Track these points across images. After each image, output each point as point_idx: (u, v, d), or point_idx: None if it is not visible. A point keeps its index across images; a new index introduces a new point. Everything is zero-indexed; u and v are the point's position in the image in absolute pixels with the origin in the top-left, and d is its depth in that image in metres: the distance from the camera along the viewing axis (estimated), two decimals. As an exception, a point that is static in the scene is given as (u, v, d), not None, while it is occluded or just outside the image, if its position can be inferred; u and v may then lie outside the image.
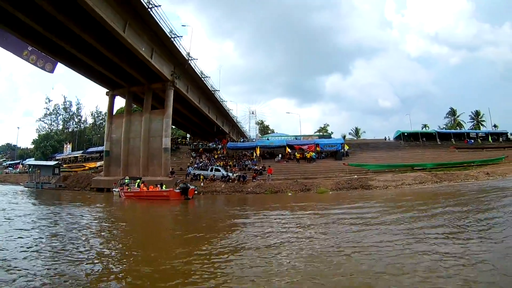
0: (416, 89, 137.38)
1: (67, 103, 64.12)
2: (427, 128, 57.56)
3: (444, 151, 40.05)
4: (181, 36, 24.89)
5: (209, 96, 34.58)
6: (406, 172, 28.45)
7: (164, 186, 20.30)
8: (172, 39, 24.00)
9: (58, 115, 63.82)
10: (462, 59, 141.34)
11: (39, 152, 53.10)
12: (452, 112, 60.71)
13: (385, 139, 48.42)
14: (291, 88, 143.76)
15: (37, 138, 57.97)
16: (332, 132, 65.01)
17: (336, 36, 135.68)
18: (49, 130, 60.96)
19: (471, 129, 56.40)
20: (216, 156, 31.39)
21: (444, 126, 60.21)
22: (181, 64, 27.54)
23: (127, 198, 20.40)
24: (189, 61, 27.64)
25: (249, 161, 29.03)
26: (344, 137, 59.06)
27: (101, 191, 25.83)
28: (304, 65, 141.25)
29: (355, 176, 24.78)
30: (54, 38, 21.12)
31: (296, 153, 30.93)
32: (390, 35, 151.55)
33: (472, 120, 59.19)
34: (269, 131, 65.29)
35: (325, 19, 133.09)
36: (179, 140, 43.65)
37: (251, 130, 55.91)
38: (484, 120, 58.10)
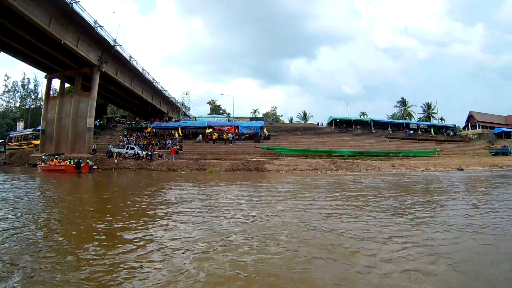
0: (382, 78, 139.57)
1: (26, 80, 63.22)
2: (365, 116, 58.42)
3: (375, 139, 40.45)
4: (103, 26, 27.31)
5: (141, 78, 36.30)
6: (322, 157, 29.08)
7: (71, 161, 22.58)
8: (95, 28, 26.56)
9: (16, 92, 63.22)
10: (430, 53, 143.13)
11: (-5, 129, 53.56)
12: (403, 102, 61.50)
13: (318, 124, 49.02)
14: (256, 69, 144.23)
15: (-6, 115, 58.04)
16: (264, 115, 65.57)
17: (305, 21, 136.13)
18: (6, 108, 61.32)
19: (421, 120, 58.10)
20: (144, 135, 33.17)
21: (394, 115, 61.59)
22: (109, 50, 29.42)
23: (42, 171, 23.30)
24: (115, 47, 29.55)
25: (170, 141, 30.79)
26: (275, 120, 59.89)
27: (35, 167, 28.19)
28: (271, 47, 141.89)
29: (254, 159, 26.11)
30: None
31: (213, 134, 32.27)
32: (359, 24, 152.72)
33: (423, 112, 60.33)
34: (221, 111, 65.88)
35: (296, 3, 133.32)
36: (117, 118, 45.22)
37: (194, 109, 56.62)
38: (435, 113, 59.29)
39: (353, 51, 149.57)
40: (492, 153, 43.14)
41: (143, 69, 35.71)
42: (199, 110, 62.00)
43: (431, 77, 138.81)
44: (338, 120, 44.99)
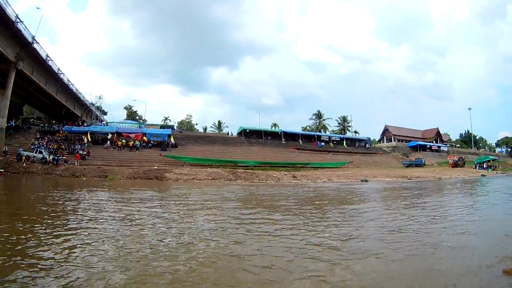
0: (302, 90, 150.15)
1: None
2: (277, 127, 61.94)
3: (284, 150, 42.41)
4: (23, 21, 27.23)
5: (57, 79, 36.09)
6: (226, 167, 29.92)
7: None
8: (16, 23, 26.22)
9: None
10: (353, 69, 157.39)
11: None
12: (319, 115, 65.30)
13: (228, 134, 51.24)
14: (178, 75, 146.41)
15: None
16: (175, 123, 67.06)
17: (232, 30, 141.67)
18: None
19: (336, 133, 63.21)
20: (55, 139, 33.26)
21: (308, 127, 65.67)
22: (27, 47, 29.03)
23: None
24: (33, 44, 29.30)
25: (79, 146, 31.63)
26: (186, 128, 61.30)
27: None
28: (194, 54, 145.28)
29: (155, 167, 27.57)
30: None
31: (119, 140, 33.27)
32: (284, 37, 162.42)
33: (339, 125, 65.57)
34: (137, 117, 66.60)
35: (225, 12, 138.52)
36: (32, 120, 44.48)
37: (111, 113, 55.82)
38: (350, 126, 65.22)
39: (276, 63, 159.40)
40: (405, 165, 45.57)
41: (59, 69, 35.64)
42: (114, 115, 61.04)
43: (351, 92, 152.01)
44: (248, 131, 46.50)
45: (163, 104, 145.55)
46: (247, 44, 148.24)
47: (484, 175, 36.94)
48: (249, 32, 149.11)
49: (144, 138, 34.68)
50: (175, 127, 51.31)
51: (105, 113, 54.41)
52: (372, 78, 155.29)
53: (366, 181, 26.38)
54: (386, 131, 69.53)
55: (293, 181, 24.85)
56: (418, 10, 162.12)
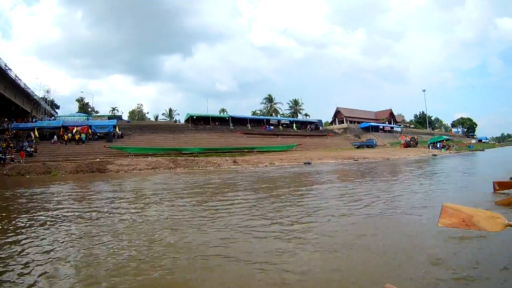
0: (256, 75, 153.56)
1: None
2: (225, 112, 62.84)
3: (231, 136, 42.97)
4: None
5: (4, 75, 35.84)
6: (170, 155, 30.58)
7: None
8: None
9: None
10: (308, 54, 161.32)
11: None
12: (269, 99, 66.32)
13: (175, 122, 51.90)
14: (132, 65, 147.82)
15: None
16: (122, 112, 67.10)
17: (186, 17, 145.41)
18: None
19: (288, 116, 64.84)
20: (4, 137, 33.53)
21: (259, 111, 66.77)
22: None
23: None
24: None
25: (26, 143, 32.36)
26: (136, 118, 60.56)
27: None
28: (148, 42, 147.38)
29: (98, 159, 28.09)
30: None
31: (66, 134, 33.52)
32: (239, 23, 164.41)
33: (290, 108, 67.35)
34: (89, 109, 65.95)
35: None
36: None
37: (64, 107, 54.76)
38: (302, 109, 67.36)
39: (230, 49, 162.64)
40: (356, 146, 46.52)
41: (6, 65, 35.45)
42: (68, 109, 60.15)
43: (306, 76, 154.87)
44: (195, 117, 46.63)
45: (117, 95, 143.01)
46: (201, 30, 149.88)
47: (436, 155, 37.77)
48: (204, 19, 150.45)
49: (90, 130, 34.67)
50: (123, 117, 51.34)
51: (57, 107, 54.63)
52: (327, 62, 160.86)
53: (309, 163, 26.38)
54: (338, 113, 70.45)
55: (233, 167, 25.27)
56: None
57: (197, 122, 46.51)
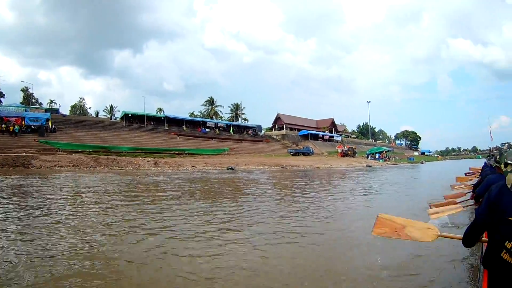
0: (204, 77, 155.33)
1: None
2: (162, 112, 62.95)
3: (164, 136, 42.99)
4: None
5: None
6: (99, 153, 29.90)
7: None
8: None
9: None
10: (257, 59, 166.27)
11: None
12: (211, 101, 67.40)
13: (111, 119, 52.09)
14: (82, 57, 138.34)
15: None
16: (60, 106, 62.77)
17: (140, 12, 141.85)
18: None
19: (228, 120, 65.46)
20: None
21: (200, 113, 68.18)
22: None
23: None
24: None
25: None
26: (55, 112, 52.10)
27: None
28: (100, 35, 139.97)
29: (24, 153, 26.22)
30: None
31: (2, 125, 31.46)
32: (192, 23, 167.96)
33: (231, 112, 69.34)
34: (33, 100, 62.37)
35: None
36: None
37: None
38: (243, 113, 69.20)
39: (181, 48, 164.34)
40: (291, 153, 45.74)
41: None
42: (13, 99, 56.37)
43: (253, 81, 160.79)
44: (130, 115, 45.79)
45: (66, 87, 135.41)
46: (154, 27, 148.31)
47: (370, 166, 37.16)
48: (158, 15, 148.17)
49: (23, 122, 33.17)
50: (60, 111, 49.16)
51: (2, 96, 51.73)
52: (275, 68, 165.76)
53: (232, 169, 25.90)
54: (278, 119, 71.03)
55: (153, 168, 24.80)
56: (331, 7, 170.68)
57: (133, 120, 46.14)
